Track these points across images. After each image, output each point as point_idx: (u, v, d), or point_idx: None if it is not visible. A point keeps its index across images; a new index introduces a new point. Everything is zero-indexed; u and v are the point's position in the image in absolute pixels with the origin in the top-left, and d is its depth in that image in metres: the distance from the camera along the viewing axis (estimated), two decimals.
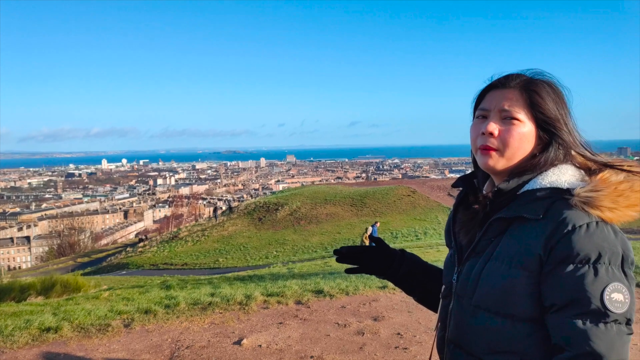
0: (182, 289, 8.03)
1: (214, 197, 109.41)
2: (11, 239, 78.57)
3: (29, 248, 75.01)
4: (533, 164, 1.09)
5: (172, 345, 4.10)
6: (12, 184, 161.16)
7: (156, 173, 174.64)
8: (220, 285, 7.97)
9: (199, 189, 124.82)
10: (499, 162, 1.10)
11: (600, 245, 0.96)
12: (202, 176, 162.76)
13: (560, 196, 1.03)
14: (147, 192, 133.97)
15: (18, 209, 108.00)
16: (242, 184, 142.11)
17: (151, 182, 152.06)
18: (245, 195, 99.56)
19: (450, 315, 1.18)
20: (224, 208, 46.10)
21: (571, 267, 0.96)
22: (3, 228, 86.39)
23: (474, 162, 1.21)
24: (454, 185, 1.27)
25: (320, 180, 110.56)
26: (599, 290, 0.94)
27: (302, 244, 26.02)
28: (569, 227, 0.98)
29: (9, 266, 57.63)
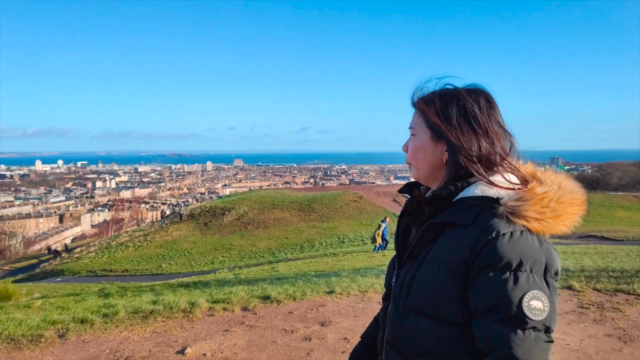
0: (121, 297, 7.70)
1: (158, 201, 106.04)
2: None
3: None
4: (456, 173, 1.13)
5: (110, 356, 3.91)
6: None
7: (95, 175, 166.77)
8: (163, 292, 7.71)
9: (142, 192, 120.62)
10: (414, 173, 1.21)
11: (522, 253, 1.00)
12: (145, 179, 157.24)
13: (490, 205, 1.06)
14: (85, 195, 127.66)
15: None
16: (187, 188, 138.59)
17: (90, 185, 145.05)
18: (190, 200, 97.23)
19: (387, 317, 1.21)
20: (168, 212, 44.72)
21: (493, 273, 0.99)
22: None
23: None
24: (400, 191, 1.31)
25: (268, 185, 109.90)
26: (518, 297, 0.97)
27: (249, 249, 25.72)
28: (493, 235, 1.01)
29: None
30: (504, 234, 1.01)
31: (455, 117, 1.11)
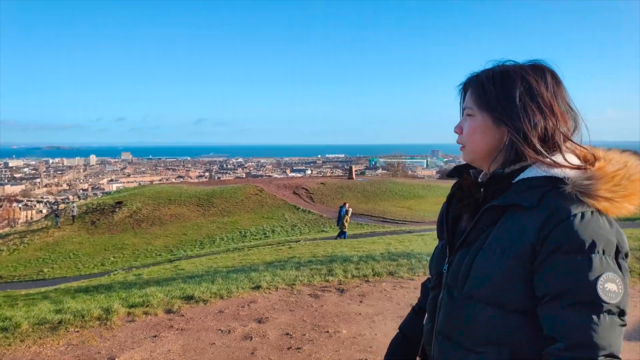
0: (12, 307, 6.80)
1: (32, 199, 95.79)
2: None
3: None
4: (520, 153, 1.07)
5: None
6: None
7: None
8: (62, 300, 6.94)
9: (14, 189, 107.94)
10: (467, 156, 1.15)
11: (594, 234, 0.96)
12: (17, 175, 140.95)
13: (556, 185, 1.03)
14: None
15: None
16: (67, 184, 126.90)
17: None
18: (71, 197, 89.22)
19: (439, 306, 1.15)
20: (44, 212, 40.51)
21: (564, 256, 0.96)
22: None
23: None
24: (449, 175, 1.24)
25: (160, 180, 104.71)
26: (593, 279, 0.94)
27: (144, 248, 24.29)
28: (563, 216, 0.97)
29: None
30: (574, 215, 0.97)
31: (519, 96, 1.06)
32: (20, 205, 78.38)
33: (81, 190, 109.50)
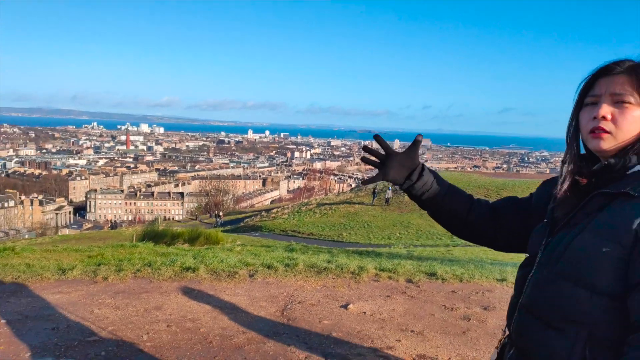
0: (303, 253, 8.58)
1: (345, 174, 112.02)
2: (168, 193, 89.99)
3: (182, 203, 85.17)
4: None
5: (286, 298, 4.50)
6: (173, 145, 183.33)
7: (294, 146, 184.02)
8: (338, 255, 8.34)
9: (332, 164, 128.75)
10: (610, 144, 1.12)
11: None
12: (336, 153, 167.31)
13: None
14: (284, 164, 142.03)
15: (176, 168, 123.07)
16: None
17: (289, 154, 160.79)
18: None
19: (528, 283, 1.20)
20: (353, 186, 46.94)
21: None
22: (163, 183, 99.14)
23: (573, 146, 1.22)
24: (567, 162, 1.26)
25: (455, 168, 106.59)
26: None
27: (427, 230, 25.57)
28: None
29: (164, 216, 66.06)
30: None
31: None
32: (335, 178, 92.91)
33: None
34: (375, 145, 1.60)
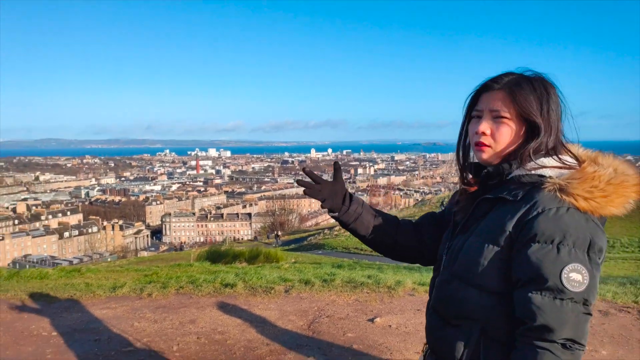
0: (350, 269, 8.64)
1: (411, 188, 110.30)
2: (237, 214, 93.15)
3: (250, 223, 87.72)
4: (521, 153, 1.17)
5: (316, 312, 4.61)
6: (240, 167, 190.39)
7: (357, 163, 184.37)
8: (385, 271, 8.31)
9: (396, 179, 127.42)
10: (490, 155, 1.21)
11: (565, 228, 1.04)
12: (400, 167, 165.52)
13: (540, 182, 1.11)
14: (348, 181, 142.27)
15: (243, 190, 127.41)
16: (440, 177, 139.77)
17: (352, 171, 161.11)
18: (442, 189, 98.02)
19: (435, 284, 1.32)
20: (419, 200, 46.31)
21: (536, 245, 1.05)
22: (231, 205, 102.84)
23: (460, 156, 1.35)
24: (465, 169, 1.35)
25: None
26: (559, 268, 1.02)
27: None
28: (539, 209, 1.07)
29: (234, 237, 68.26)
30: (549, 209, 1.06)
31: (548, 108, 1.16)
32: (401, 193, 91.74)
33: (452, 183, 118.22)
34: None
